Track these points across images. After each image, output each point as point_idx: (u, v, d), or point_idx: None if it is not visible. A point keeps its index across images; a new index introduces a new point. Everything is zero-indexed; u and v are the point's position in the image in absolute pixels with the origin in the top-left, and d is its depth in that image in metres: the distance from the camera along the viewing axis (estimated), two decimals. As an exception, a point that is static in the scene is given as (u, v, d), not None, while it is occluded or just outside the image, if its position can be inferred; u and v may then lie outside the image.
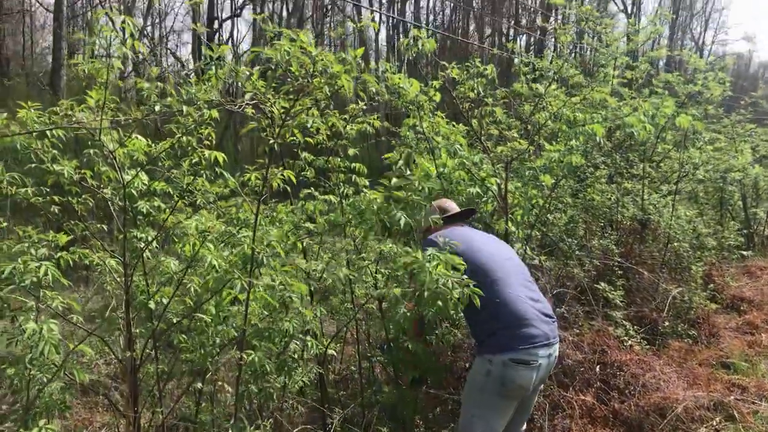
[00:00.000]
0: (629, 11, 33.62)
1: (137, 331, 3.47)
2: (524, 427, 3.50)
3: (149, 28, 22.87)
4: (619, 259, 6.76)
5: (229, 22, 26.67)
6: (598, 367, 4.86)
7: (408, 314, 3.40)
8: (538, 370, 3.01)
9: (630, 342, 5.34)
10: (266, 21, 3.34)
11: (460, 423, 3.26)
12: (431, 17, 33.04)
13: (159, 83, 2.99)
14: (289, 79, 2.51)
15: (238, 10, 25.24)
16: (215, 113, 2.86)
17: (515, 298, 3.07)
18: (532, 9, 29.02)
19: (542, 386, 3.39)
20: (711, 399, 4.53)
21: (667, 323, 6.21)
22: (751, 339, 6.26)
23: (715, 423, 4.27)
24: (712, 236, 8.49)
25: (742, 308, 7.35)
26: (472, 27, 31.73)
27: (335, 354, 4.76)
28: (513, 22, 30.05)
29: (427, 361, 3.74)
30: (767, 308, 7.23)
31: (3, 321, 2.81)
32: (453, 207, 3.77)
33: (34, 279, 2.54)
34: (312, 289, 3.78)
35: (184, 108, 2.49)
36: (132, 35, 2.78)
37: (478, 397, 3.12)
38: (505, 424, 3.19)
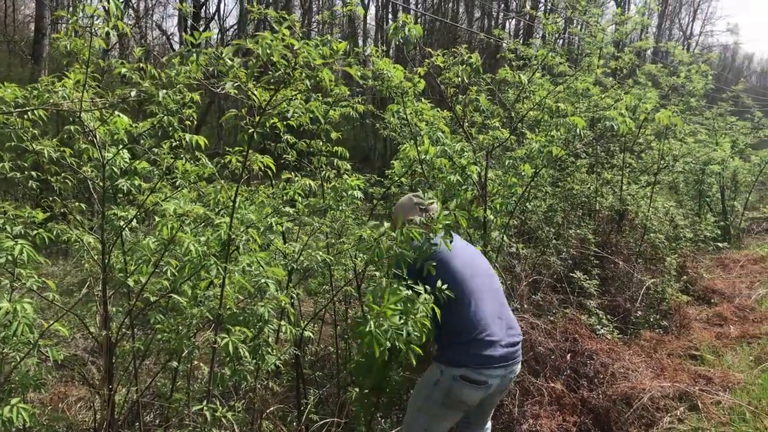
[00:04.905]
0: (619, -2, 33.45)
1: (113, 309, 3.49)
2: (488, 427, 3.49)
3: (135, 0, 22.50)
4: (595, 249, 6.86)
5: (216, -6, 26.26)
6: (569, 355, 4.96)
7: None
8: (488, 389, 2.96)
9: (602, 331, 5.44)
10: (252, 3, 3.34)
11: (405, 419, 3.26)
12: (421, -2, 32.76)
13: (140, 64, 2.98)
14: (270, 71, 2.51)
15: (226, -17, 24.87)
16: (196, 96, 2.86)
17: (487, 317, 3.00)
18: (522, -8, 28.89)
19: (503, 394, 3.37)
20: (676, 389, 4.65)
21: (639, 313, 6.33)
22: (720, 331, 6.39)
23: (678, 413, 4.39)
24: (689, 228, 8.60)
25: (713, 300, 7.49)
26: (461, 9, 31.54)
27: (312, 335, 4.81)
28: (503, 5, 29.92)
29: (380, 375, 3.60)
30: (737, 301, 7.37)
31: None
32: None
33: (9, 257, 2.53)
34: (291, 270, 3.80)
35: (161, 93, 2.49)
36: (115, 16, 2.77)
37: (422, 401, 3.10)
38: (450, 425, 3.18)
